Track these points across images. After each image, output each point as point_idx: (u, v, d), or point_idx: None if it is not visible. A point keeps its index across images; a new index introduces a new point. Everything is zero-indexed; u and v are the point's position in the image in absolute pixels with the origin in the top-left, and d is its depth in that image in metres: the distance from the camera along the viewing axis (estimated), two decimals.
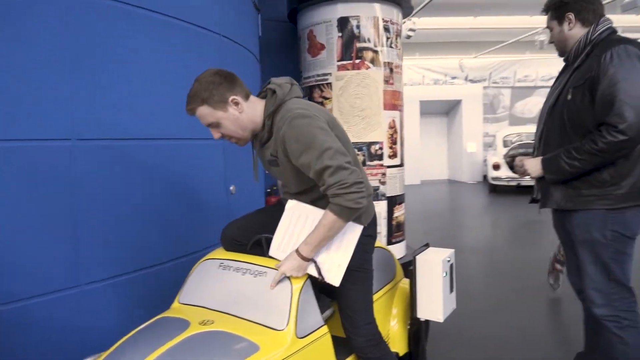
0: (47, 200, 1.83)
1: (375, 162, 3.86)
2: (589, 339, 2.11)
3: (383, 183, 3.90)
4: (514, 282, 3.93)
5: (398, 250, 4.06)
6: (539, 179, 1.96)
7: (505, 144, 10.00)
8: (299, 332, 1.50)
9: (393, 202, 4.00)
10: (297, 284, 1.56)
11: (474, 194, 10.23)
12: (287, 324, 1.48)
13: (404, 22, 4.58)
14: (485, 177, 11.41)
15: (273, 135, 1.61)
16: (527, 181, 8.66)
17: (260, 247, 1.76)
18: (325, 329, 1.62)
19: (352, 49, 3.75)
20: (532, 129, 9.84)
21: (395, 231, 4.07)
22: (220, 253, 1.82)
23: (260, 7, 3.72)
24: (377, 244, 1.94)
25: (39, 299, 1.81)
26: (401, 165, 4.10)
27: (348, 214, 1.49)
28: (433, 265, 2.04)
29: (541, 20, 8.54)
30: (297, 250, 1.56)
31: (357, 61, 3.75)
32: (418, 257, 2.08)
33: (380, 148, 3.87)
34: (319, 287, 1.69)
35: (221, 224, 1.93)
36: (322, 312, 1.64)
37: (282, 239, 1.68)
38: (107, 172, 2.01)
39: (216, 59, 2.61)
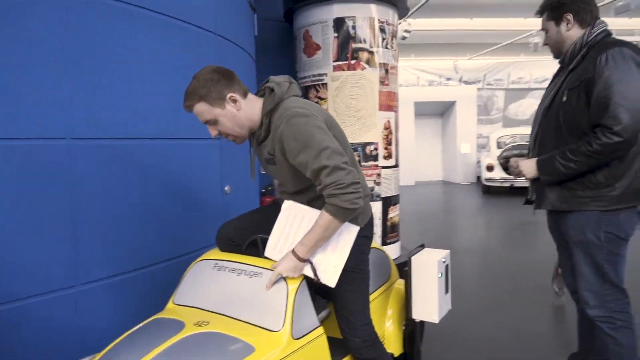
0: (44, 200, 1.81)
1: (370, 163, 3.86)
2: (583, 339, 2.13)
3: (378, 184, 3.91)
4: (508, 283, 3.95)
5: (393, 251, 4.07)
6: (534, 180, 1.97)
7: (499, 146, 10.05)
8: (295, 333, 1.50)
9: (388, 202, 4.01)
10: (293, 285, 1.56)
11: (468, 195, 10.27)
12: (283, 325, 1.48)
13: (400, 23, 4.59)
14: (478, 178, 11.47)
15: (270, 133, 1.60)
16: (520, 182, 8.71)
17: (256, 248, 1.75)
18: (321, 330, 1.62)
19: (347, 49, 3.75)
20: (525, 130, 9.92)
21: (390, 232, 4.08)
22: (215, 254, 1.81)
23: (256, 6, 3.71)
24: (373, 244, 1.94)
25: (36, 299, 1.80)
26: (396, 166, 4.11)
27: (344, 215, 1.48)
28: (428, 266, 2.04)
29: (535, 22, 8.58)
30: (293, 251, 1.56)
31: (353, 62, 3.75)
32: (413, 258, 2.08)
33: (376, 149, 3.87)
34: (315, 287, 1.68)
35: (216, 224, 1.92)
36: (317, 313, 1.64)
37: (278, 239, 1.67)
38: (103, 171, 2.00)
39: (213, 58, 2.60)
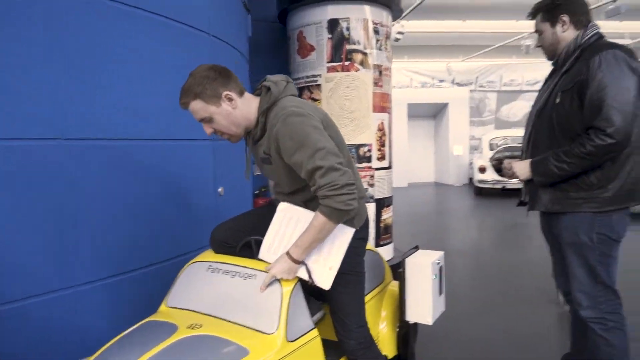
0: (40, 200, 1.80)
1: (364, 164, 3.86)
2: (575, 340, 2.14)
3: (371, 185, 3.91)
4: (501, 284, 3.96)
5: (386, 253, 4.07)
6: (527, 182, 1.97)
7: (491, 147, 10.11)
8: (289, 335, 1.49)
9: (381, 204, 4.01)
10: (288, 287, 1.55)
11: (460, 197, 10.32)
12: (277, 328, 1.47)
13: (393, 25, 4.60)
14: (471, 180, 11.53)
15: (266, 132, 1.59)
16: (512, 184, 8.77)
17: (250, 250, 1.74)
18: (315, 332, 1.61)
19: (341, 50, 3.75)
20: (517, 132, 9.98)
21: (383, 233, 4.08)
22: (208, 255, 1.80)
23: (250, 7, 3.70)
24: (367, 246, 1.94)
25: (32, 300, 1.78)
26: (389, 167, 4.11)
27: (338, 216, 1.47)
28: (423, 268, 2.04)
29: (527, 25, 8.66)
30: (287, 253, 1.55)
31: (347, 63, 3.75)
32: (408, 260, 2.08)
33: (369, 150, 3.87)
34: (309, 289, 1.67)
35: (209, 226, 1.91)
36: (312, 315, 1.63)
37: (272, 241, 1.66)
38: (98, 172, 1.99)
39: (206, 59, 2.57)
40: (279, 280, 1.56)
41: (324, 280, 1.57)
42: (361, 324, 1.70)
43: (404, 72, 12.77)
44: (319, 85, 3.80)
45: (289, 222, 1.65)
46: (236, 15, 3.21)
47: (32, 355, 1.78)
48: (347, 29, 3.73)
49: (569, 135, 1.79)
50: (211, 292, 1.65)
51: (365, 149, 3.85)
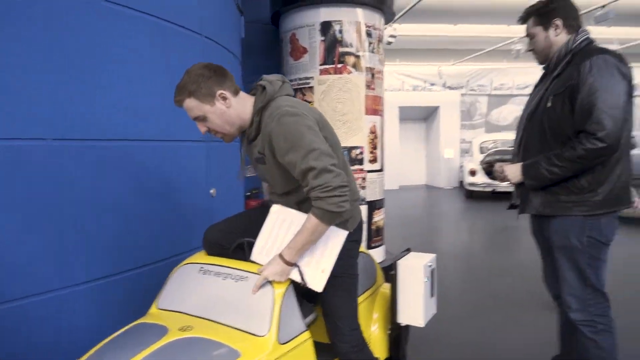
0: (30, 201, 1.78)
1: (356, 167, 3.87)
2: (564, 342, 2.15)
3: (363, 188, 3.91)
4: (492, 287, 3.99)
5: (377, 255, 4.08)
6: (519, 185, 1.99)
7: (481, 151, 10.18)
8: (281, 337, 1.48)
9: (373, 206, 4.02)
10: (280, 289, 1.54)
11: (451, 200, 10.37)
12: (269, 330, 1.46)
13: (385, 28, 4.62)
14: (461, 182, 11.59)
15: (261, 132, 1.58)
16: (502, 187, 8.84)
17: (243, 251, 1.73)
18: (307, 334, 1.60)
19: (334, 53, 3.75)
20: (507, 136, 10.06)
21: (375, 236, 4.09)
22: (200, 257, 1.78)
23: (243, 9, 3.70)
24: (360, 248, 1.94)
25: (21, 302, 1.77)
26: (381, 170, 4.12)
27: (330, 218, 1.47)
28: (415, 270, 2.05)
29: (517, 29, 8.72)
30: (280, 255, 1.54)
31: (339, 66, 3.76)
32: (400, 262, 2.08)
33: (361, 153, 3.88)
34: (302, 292, 1.67)
35: (201, 227, 1.90)
36: (304, 317, 1.62)
37: (265, 243, 1.66)
38: (89, 173, 1.97)
39: (198, 60, 2.53)
40: (271, 283, 1.55)
41: (317, 282, 1.57)
42: (354, 327, 1.70)
43: (396, 75, 12.83)
44: (311, 88, 3.81)
45: (282, 224, 1.64)
46: (229, 16, 3.20)
47: (30, 355, 1.77)
48: (340, 31, 3.74)
49: (560, 139, 1.81)
50: (202, 294, 1.64)
51: (357, 151, 3.86)
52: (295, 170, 1.48)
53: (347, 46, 3.76)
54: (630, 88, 1.74)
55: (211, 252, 1.79)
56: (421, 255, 2.19)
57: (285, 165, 1.52)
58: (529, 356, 2.65)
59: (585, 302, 1.85)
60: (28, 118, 1.77)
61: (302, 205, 1.64)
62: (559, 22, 1.88)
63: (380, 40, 4.02)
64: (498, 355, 2.69)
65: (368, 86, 3.87)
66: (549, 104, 1.83)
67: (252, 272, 1.59)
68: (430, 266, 2.12)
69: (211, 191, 2.72)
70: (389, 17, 4.32)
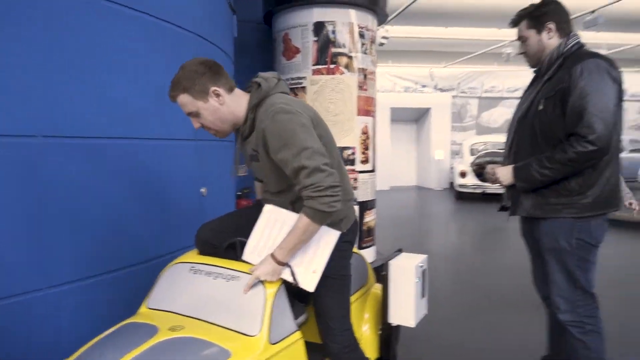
0: (12, 199, 1.75)
1: (348, 167, 3.87)
2: (553, 343, 2.18)
3: (355, 188, 3.92)
4: (482, 288, 4.01)
5: (368, 256, 4.08)
6: (510, 187, 2.00)
7: (472, 153, 10.25)
8: (272, 337, 1.47)
9: (364, 207, 4.02)
10: (271, 289, 1.54)
11: (441, 201, 10.44)
12: (260, 330, 1.45)
13: (378, 30, 4.63)
14: (451, 184, 11.67)
15: (255, 129, 1.58)
16: (492, 189, 8.91)
17: (235, 251, 1.72)
18: (298, 334, 1.60)
19: (327, 53, 3.75)
20: (498, 138, 10.15)
21: (366, 236, 4.09)
22: (191, 256, 1.77)
23: (235, 8, 3.68)
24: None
25: (10, 300, 1.74)
26: (373, 170, 4.13)
27: (321, 218, 1.47)
28: (406, 271, 2.05)
29: (508, 33, 8.79)
30: (272, 255, 1.54)
31: (332, 66, 3.76)
32: (391, 263, 2.09)
33: (353, 153, 3.88)
34: (294, 292, 1.66)
35: (192, 227, 1.88)
36: (296, 317, 1.62)
37: (257, 243, 1.65)
38: (75, 171, 1.94)
39: (190, 58, 2.55)
40: (262, 282, 1.54)
41: (308, 282, 1.56)
42: (346, 327, 1.70)
43: (388, 77, 12.88)
44: (304, 88, 3.80)
45: (274, 224, 1.64)
46: (221, 15, 3.19)
47: (15, 355, 1.74)
48: (333, 32, 3.74)
49: (551, 142, 1.82)
50: (193, 293, 1.62)
51: (349, 152, 3.86)
52: (287, 168, 1.48)
53: (339, 47, 3.77)
54: (620, 92, 1.76)
55: (203, 251, 1.78)
56: (412, 256, 2.20)
57: (278, 163, 1.51)
58: (519, 357, 2.67)
59: (574, 303, 1.87)
60: (18, 115, 1.74)
61: (295, 204, 1.63)
62: (552, 25, 1.90)
63: (373, 41, 4.03)
64: (489, 356, 2.71)
65: (360, 87, 3.87)
66: (541, 107, 1.84)
67: (244, 272, 1.58)
68: (421, 267, 2.13)
69: (202, 190, 2.70)
70: (382, 19, 4.33)
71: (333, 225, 1.60)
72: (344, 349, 1.67)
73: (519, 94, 2.10)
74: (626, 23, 8.36)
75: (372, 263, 3.98)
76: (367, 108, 3.96)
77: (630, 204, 3.12)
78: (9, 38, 1.70)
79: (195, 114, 1.57)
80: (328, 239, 1.58)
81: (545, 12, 1.90)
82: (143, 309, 1.67)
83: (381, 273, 2.13)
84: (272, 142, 1.49)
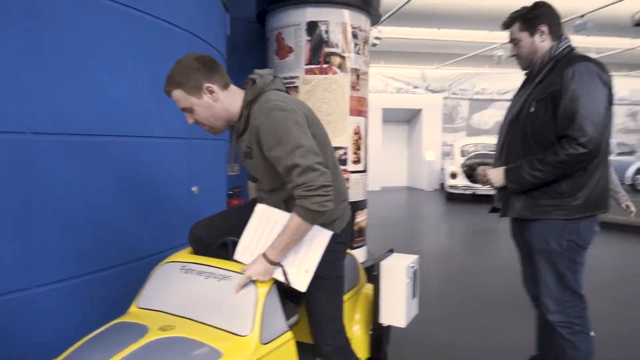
0: (4, 196, 1.72)
1: (340, 168, 3.87)
2: (542, 343, 2.20)
3: (347, 188, 3.92)
4: (472, 289, 4.03)
5: (359, 256, 4.09)
6: (501, 189, 2.01)
7: (462, 154, 10.31)
8: (264, 337, 1.47)
9: (355, 207, 4.02)
10: (263, 289, 1.53)
11: (432, 202, 10.49)
12: (252, 330, 1.45)
13: (371, 30, 4.64)
14: (442, 185, 11.73)
15: (249, 125, 1.57)
16: (482, 190, 8.98)
17: (227, 250, 1.71)
18: (290, 334, 1.60)
19: (320, 53, 3.75)
20: (488, 140, 10.22)
21: (357, 236, 4.10)
22: (182, 256, 1.76)
23: (229, 6, 3.67)
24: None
25: None
26: (364, 171, 4.14)
27: (312, 217, 1.46)
28: (397, 271, 2.06)
29: (500, 35, 8.84)
30: (264, 254, 1.53)
31: (325, 66, 3.76)
32: (383, 263, 2.09)
33: (345, 153, 3.88)
34: (285, 292, 1.66)
35: (183, 226, 1.88)
36: (287, 318, 1.61)
37: (249, 242, 1.64)
38: (64, 168, 1.91)
39: (182, 55, 2.54)
40: (254, 282, 1.54)
41: (300, 282, 1.56)
42: (339, 329, 1.69)
43: (380, 77, 12.91)
44: (296, 87, 3.80)
45: (267, 223, 1.63)
46: (214, 13, 3.17)
47: (1, 355, 1.71)
48: (326, 32, 3.74)
49: (542, 144, 1.84)
50: (184, 293, 1.61)
51: (341, 152, 3.86)
52: (280, 165, 1.47)
53: (333, 47, 3.76)
54: (610, 95, 1.78)
55: (196, 249, 1.77)
56: (404, 257, 2.21)
57: (271, 161, 1.50)
58: (509, 357, 2.69)
59: (563, 304, 1.88)
60: (6, 111, 1.72)
61: (289, 202, 1.62)
62: (544, 28, 1.91)
63: (366, 41, 4.04)
64: (479, 356, 2.73)
65: (353, 87, 3.88)
66: (532, 109, 1.86)
67: (235, 271, 1.57)
68: (412, 267, 2.14)
69: (193, 189, 2.68)
70: (375, 19, 4.34)
71: (327, 225, 1.60)
72: (337, 350, 1.67)
73: (510, 96, 2.11)
74: (614, 28, 8.47)
75: (363, 263, 3.99)
76: (359, 108, 3.97)
77: (628, 206, 3.11)
78: (8, 38, 1.69)
79: (189, 110, 1.57)
80: (320, 238, 1.58)
81: (537, 15, 1.92)
82: (133, 309, 1.66)
83: (372, 273, 2.13)
84: (266, 139, 1.48)
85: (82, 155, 1.98)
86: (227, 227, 1.75)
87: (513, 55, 2.05)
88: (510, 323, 3.22)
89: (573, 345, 1.88)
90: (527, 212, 1.91)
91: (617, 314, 3.38)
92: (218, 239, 1.72)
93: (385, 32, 8.41)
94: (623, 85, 13.75)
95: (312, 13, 3.74)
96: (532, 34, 1.93)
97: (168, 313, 1.57)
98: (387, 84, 13.16)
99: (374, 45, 8.17)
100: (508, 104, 2.11)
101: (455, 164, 9.98)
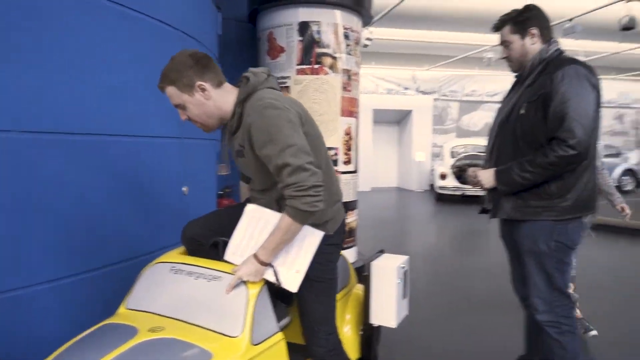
0: None
1: None
2: (530, 343, 2.22)
3: None
4: (462, 290, 4.06)
5: (349, 256, 4.09)
6: (491, 190, 2.03)
7: (452, 155, 10.36)
8: (254, 338, 1.46)
9: (346, 208, 4.01)
10: (254, 290, 1.52)
11: (422, 202, 10.54)
12: (242, 331, 1.44)
13: (362, 31, 4.65)
14: (432, 186, 11.78)
15: (242, 124, 1.56)
16: (471, 191, 9.05)
17: (218, 250, 1.70)
18: (280, 335, 1.59)
19: (311, 53, 3.75)
20: (478, 141, 10.30)
21: (347, 237, 4.10)
22: (172, 256, 1.74)
23: (220, 5, 3.65)
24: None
25: None
26: (355, 171, 4.14)
27: (303, 217, 1.46)
28: (388, 272, 2.07)
29: (490, 38, 8.88)
30: (254, 255, 1.52)
31: (316, 66, 3.76)
32: (373, 263, 2.10)
33: (336, 154, 3.89)
34: (276, 292, 1.65)
35: (173, 226, 1.86)
36: (279, 320, 1.61)
37: (239, 243, 1.63)
38: (54, 167, 1.89)
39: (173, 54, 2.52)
40: (245, 283, 1.53)
41: (291, 282, 1.55)
42: (331, 331, 1.69)
43: (371, 78, 12.93)
44: (287, 87, 3.79)
45: (257, 223, 1.62)
46: (206, 12, 3.16)
47: None
48: (318, 32, 3.74)
49: (532, 145, 1.85)
50: (174, 294, 1.60)
51: (332, 152, 3.86)
52: (271, 164, 1.46)
53: (324, 47, 3.76)
54: (598, 98, 1.81)
55: (189, 248, 1.76)
56: (394, 257, 2.22)
57: (262, 159, 1.50)
58: (498, 358, 2.71)
59: (552, 304, 1.90)
60: (6, 111, 1.69)
61: (282, 202, 1.61)
62: (535, 31, 1.93)
63: (357, 42, 4.04)
64: (468, 356, 2.74)
65: (344, 88, 3.88)
66: (522, 111, 1.87)
67: (226, 272, 1.56)
68: (403, 268, 2.14)
69: (183, 189, 2.67)
70: (367, 20, 4.35)
71: (320, 226, 1.59)
72: (329, 352, 1.67)
73: (499, 98, 2.13)
74: (602, 32, 8.58)
75: (353, 264, 3.99)
76: (350, 109, 3.97)
77: (622, 208, 3.09)
78: (8, 38, 1.67)
79: (182, 107, 1.57)
80: (311, 239, 1.57)
81: (528, 18, 1.94)
82: (122, 310, 1.64)
83: (363, 274, 2.14)
84: (258, 136, 1.47)
85: (72, 154, 1.96)
86: (218, 226, 1.74)
87: (503, 58, 2.06)
88: (499, 323, 3.25)
89: (561, 345, 1.90)
90: (516, 213, 1.92)
91: (616, 315, 3.42)
92: (210, 239, 1.71)
93: (376, 33, 8.42)
94: (610, 88, 13.94)
95: (303, 13, 3.73)
96: (523, 36, 1.95)
97: (157, 314, 1.56)
98: (378, 85, 13.20)
99: (365, 46, 8.17)
100: (497, 106, 2.13)
101: (445, 165, 10.04)
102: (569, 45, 8.84)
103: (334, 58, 3.80)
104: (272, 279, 1.56)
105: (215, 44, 3.44)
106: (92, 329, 1.50)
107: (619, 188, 11.40)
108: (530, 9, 1.95)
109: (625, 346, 2.88)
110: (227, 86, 1.61)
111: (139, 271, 1.75)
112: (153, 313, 1.57)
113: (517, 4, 2.00)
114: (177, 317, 1.52)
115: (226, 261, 1.64)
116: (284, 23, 3.77)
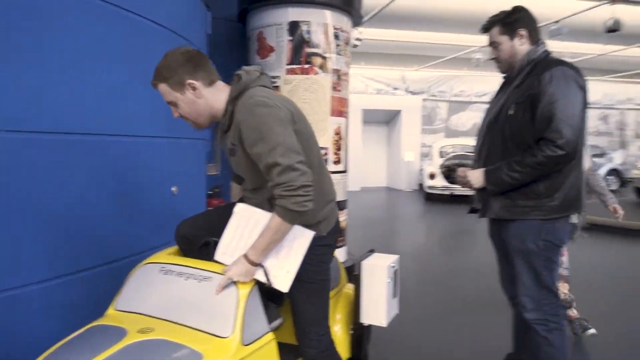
0: None
1: None
2: (518, 341, 2.24)
3: None
4: (451, 289, 4.09)
5: (339, 256, 4.10)
6: (480, 190, 2.04)
7: (441, 155, 10.44)
8: (245, 339, 1.46)
9: None
10: (244, 290, 1.52)
11: (411, 202, 10.59)
12: (233, 331, 1.44)
13: (352, 31, 4.66)
14: (421, 185, 11.86)
15: (233, 122, 1.55)
16: (460, 191, 9.12)
17: (208, 250, 1.69)
18: (271, 335, 1.59)
19: (301, 53, 3.75)
20: (466, 141, 10.38)
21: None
22: (161, 257, 1.73)
23: (210, 4, 3.63)
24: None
25: None
26: (345, 171, 4.15)
27: (292, 217, 1.45)
28: (378, 271, 2.07)
29: (478, 39, 8.96)
30: (245, 255, 1.52)
31: (306, 66, 3.76)
32: (364, 263, 2.10)
33: (326, 154, 3.89)
34: (266, 293, 1.65)
35: (162, 226, 1.85)
36: (270, 321, 1.60)
37: (229, 243, 1.62)
38: (43, 167, 1.87)
39: (162, 53, 2.50)
40: (235, 283, 1.52)
41: (282, 282, 1.55)
42: (322, 332, 1.68)
43: (360, 78, 12.96)
44: (277, 87, 3.78)
45: (247, 223, 1.61)
46: (195, 11, 3.14)
47: None
48: (308, 32, 3.74)
49: (521, 146, 1.87)
50: (164, 294, 1.59)
51: (322, 152, 3.86)
52: (261, 163, 1.46)
53: (314, 47, 3.77)
54: (585, 99, 1.83)
55: (183, 247, 1.75)
56: (384, 256, 2.22)
57: (253, 157, 1.49)
58: (488, 357, 2.72)
59: (540, 302, 1.93)
60: (6, 110, 1.67)
61: (273, 202, 1.60)
62: (523, 32, 1.95)
63: (347, 42, 4.05)
64: (458, 355, 2.76)
65: (334, 88, 3.89)
66: (511, 112, 1.89)
67: (216, 272, 1.56)
68: (393, 267, 2.15)
69: (173, 189, 2.65)
70: (357, 20, 4.36)
71: (312, 227, 1.58)
72: (321, 353, 1.66)
73: (487, 98, 2.15)
74: (588, 34, 8.71)
75: (343, 263, 4.00)
76: (340, 109, 3.98)
77: (615, 209, 3.09)
78: (8, 38, 1.66)
79: (174, 104, 1.57)
80: (302, 239, 1.57)
81: (517, 19, 1.96)
82: (111, 311, 1.62)
83: (353, 273, 2.14)
84: (249, 134, 1.46)
85: (61, 154, 1.94)
86: (210, 226, 1.73)
87: (492, 59, 2.08)
88: (488, 322, 3.28)
89: (548, 342, 1.92)
90: (505, 212, 1.94)
91: (612, 315, 3.45)
92: (201, 238, 1.71)
93: (366, 33, 8.44)
94: (595, 89, 14.15)
95: (293, 13, 3.73)
96: (511, 37, 1.97)
97: (147, 315, 1.55)
98: (367, 85, 13.23)
99: (355, 46, 8.19)
100: (486, 106, 2.15)
101: (434, 165, 10.10)
102: (555, 47, 8.92)
103: (324, 58, 3.80)
104: (262, 279, 1.55)
105: (205, 43, 3.42)
106: (80, 330, 1.48)
107: None
108: (518, 11, 1.98)
109: (623, 346, 2.91)
110: (220, 84, 1.60)
111: (128, 272, 1.74)
112: (142, 314, 1.56)
113: (505, 6, 2.02)
114: (167, 318, 1.51)
115: (216, 261, 1.63)
116: (274, 23, 3.77)
